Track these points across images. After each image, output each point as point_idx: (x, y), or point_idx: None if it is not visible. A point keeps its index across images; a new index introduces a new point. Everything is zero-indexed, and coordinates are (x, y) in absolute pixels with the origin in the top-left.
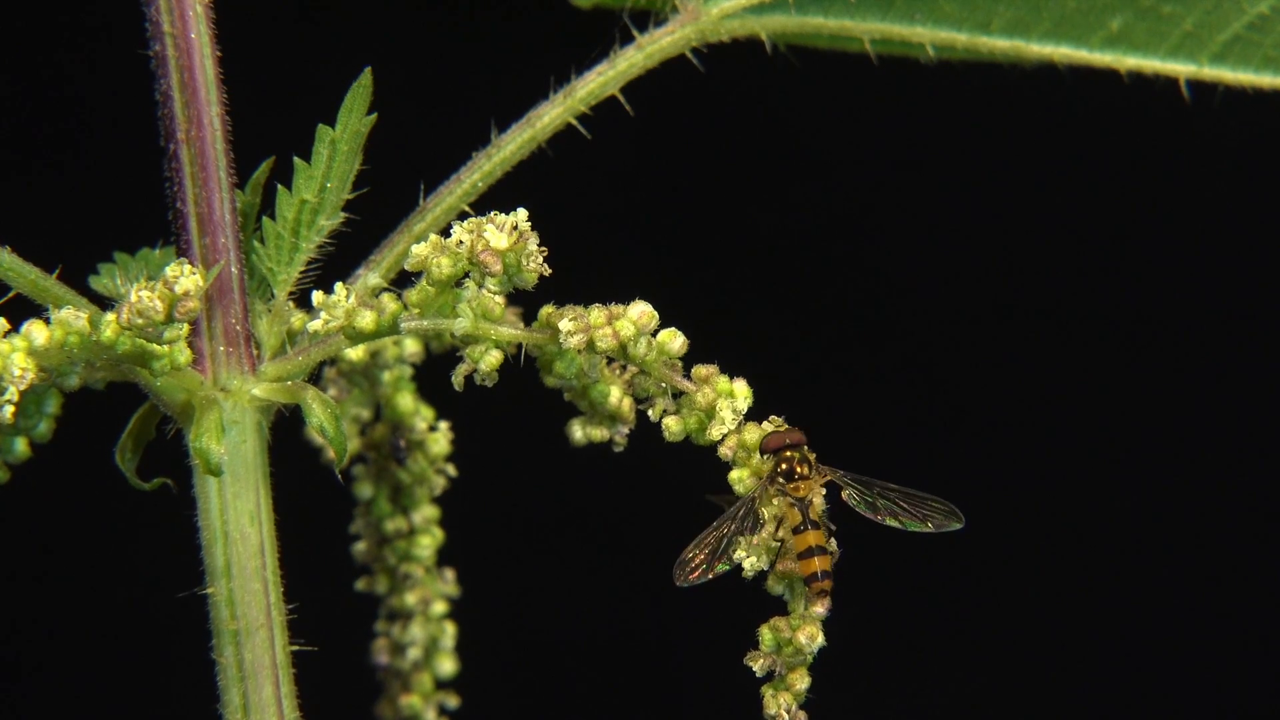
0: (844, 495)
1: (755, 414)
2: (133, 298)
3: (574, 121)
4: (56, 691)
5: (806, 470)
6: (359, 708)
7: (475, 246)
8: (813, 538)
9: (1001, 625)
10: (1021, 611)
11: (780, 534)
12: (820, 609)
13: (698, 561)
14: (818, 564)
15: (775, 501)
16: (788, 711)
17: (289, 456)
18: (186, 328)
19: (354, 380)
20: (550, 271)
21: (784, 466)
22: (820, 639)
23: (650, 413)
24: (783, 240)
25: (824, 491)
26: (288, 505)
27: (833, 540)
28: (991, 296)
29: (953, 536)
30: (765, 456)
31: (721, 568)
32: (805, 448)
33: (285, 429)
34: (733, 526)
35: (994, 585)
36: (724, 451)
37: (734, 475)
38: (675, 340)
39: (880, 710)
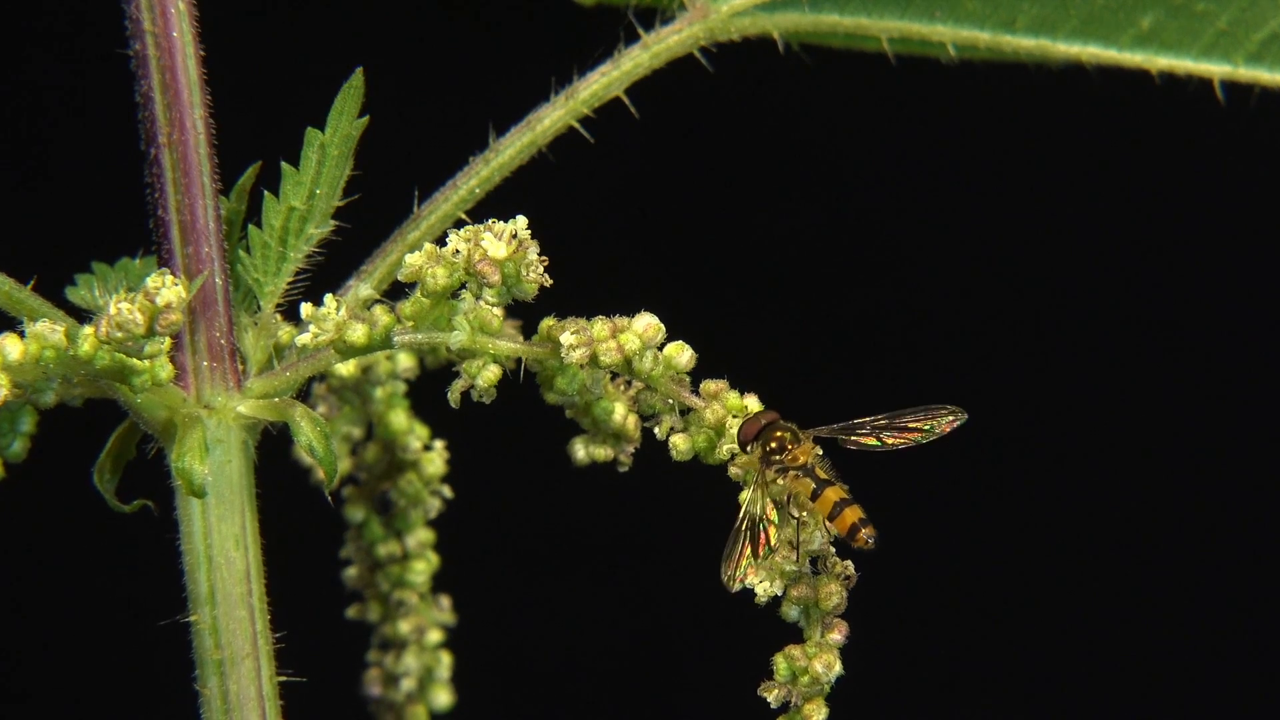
0: (842, 444)
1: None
2: (112, 310)
3: (576, 124)
4: None
5: (796, 440)
6: None
7: (472, 256)
8: (833, 493)
9: (1017, 638)
10: (1037, 623)
11: (801, 508)
12: (838, 635)
13: (741, 562)
14: (850, 515)
15: (780, 482)
16: None
17: (276, 477)
18: (168, 342)
19: (344, 397)
20: (551, 282)
21: (774, 445)
22: (838, 667)
23: (657, 430)
24: (794, 249)
25: (820, 450)
26: (275, 528)
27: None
28: (1010, 305)
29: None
30: (750, 446)
31: (763, 557)
32: (782, 420)
33: (272, 448)
34: (756, 515)
35: (1009, 599)
36: (734, 471)
37: (745, 496)
38: (682, 354)
39: None
